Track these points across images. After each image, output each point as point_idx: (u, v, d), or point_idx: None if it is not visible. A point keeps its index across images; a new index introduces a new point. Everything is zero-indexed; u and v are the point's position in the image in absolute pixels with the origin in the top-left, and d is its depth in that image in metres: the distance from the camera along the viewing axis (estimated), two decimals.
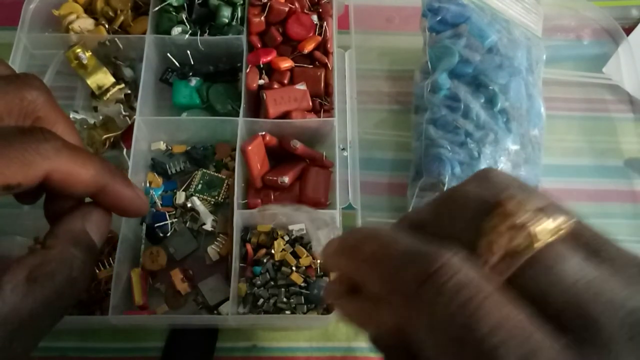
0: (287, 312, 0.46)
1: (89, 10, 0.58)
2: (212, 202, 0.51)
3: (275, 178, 0.49)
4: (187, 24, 0.54)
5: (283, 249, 0.48)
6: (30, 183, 0.22)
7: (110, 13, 0.57)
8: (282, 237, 0.48)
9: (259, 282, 0.46)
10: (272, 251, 0.47)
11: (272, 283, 0.47)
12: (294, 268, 0.47)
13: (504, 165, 0.48)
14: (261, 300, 0.46)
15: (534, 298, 0.16)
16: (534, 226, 0.16)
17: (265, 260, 0.47)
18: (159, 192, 0.52)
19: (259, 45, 0.53)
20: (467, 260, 0.16)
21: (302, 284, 0.46)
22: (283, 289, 0.46)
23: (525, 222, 0.16)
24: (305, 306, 0.46)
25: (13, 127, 0.23)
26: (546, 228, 0.16)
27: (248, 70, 0.51)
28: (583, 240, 0.17)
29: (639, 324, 0.15)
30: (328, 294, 0.21)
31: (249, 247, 0.48)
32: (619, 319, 0.15)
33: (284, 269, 0.47)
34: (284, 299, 0.46)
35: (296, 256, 0.48)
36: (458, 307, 0.15)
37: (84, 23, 0.56)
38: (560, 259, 0.16)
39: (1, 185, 0.21)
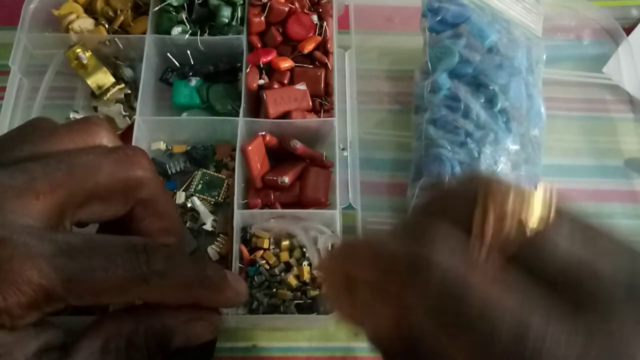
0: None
1: (89, 10, 0.58)
2: (212, 202, 0.51)
3: (275, 178, 0.49)
4: (187, 24, 0.54)
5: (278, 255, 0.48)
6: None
7: (110, 13, 0.57)
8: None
9: (254, 284, 0.46)
10: (267, 253, 0.47)
11: (267, 283, 0.47)
12: (286, 272, 0.47)
13: (504, 165, 0.48)
14: (255, 304, 0.46)
15: (529, 273, 0.16)
16: (524, 213, 0.17)
17: (262, 263, 0.47)
18: None
19: (259, 45, 0.53)
20: (459, 241, 0.16)
21: (297, 289, 0.46)
22: (278, 291, 0.46)
23: (515, 210, 0.17)
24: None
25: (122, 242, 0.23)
26: (536, 214, 0.17)
27: (248, 70, 0.51)
28: (573, 225, 0.17)
29: (635, 284, 0.15)
30: (327, 296, 0.21)
31: (243, 248, 0.48)
32: (616, 281, 0.15)
33: (276, 270, 0.47)
34: (278, 302, 0.46)
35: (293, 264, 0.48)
36: (450, 287, 0.15)
37: (84, 23, 0.56)
38: (551, 241, 0.16)
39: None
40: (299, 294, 0.46)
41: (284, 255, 0.47)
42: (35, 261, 0.20)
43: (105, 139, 0.25)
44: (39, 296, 0.20)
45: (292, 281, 0.46)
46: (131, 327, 0.23)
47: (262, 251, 0.48)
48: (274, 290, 0.46)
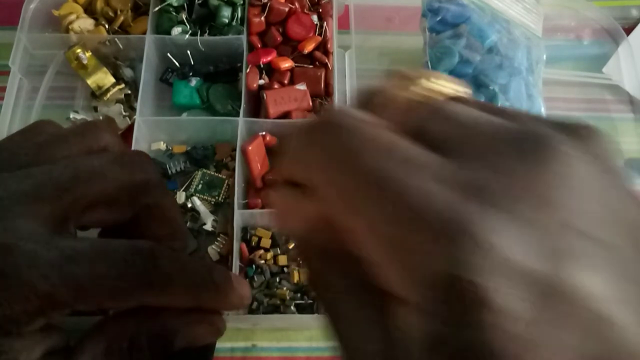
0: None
1: (89, 11, 0.58)
2: (212, 202, 0.51)
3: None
4: (187, 24, 0.54)
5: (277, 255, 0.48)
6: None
7: (110, 13, 0.57)
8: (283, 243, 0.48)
9: (254, 284, 0.46)
10: (268, 254, 0.48)
11: (267, 283, 0.47)
12: (285, 269, 0.47)
13: None
14: (255, 304, 0.46)
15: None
16: (428, 85, 0.17)
17: (261, 263, 0.47)
18: None
19: (259, 46, 0.53)
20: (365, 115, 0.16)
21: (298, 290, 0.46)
22: (278, 291, 0.46)
23: (420, 82, 0.17)
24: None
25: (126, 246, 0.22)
26: (440, 89, 0.17)
27: (248, 70, 0.51)
28: (476, 103, 0.17)
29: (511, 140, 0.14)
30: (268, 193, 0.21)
31: (243, 246, 0.48)
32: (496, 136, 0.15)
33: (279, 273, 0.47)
34: (278, 302, 0.46)
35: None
36: (349, 138, 0.15)
37: (84, 23, 0.56)
38: (452, 106, 0.16)
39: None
40: (299, 294, 0.46)
41: (282, 259, 0.47)
42: (40, 268, 0.20)
43: (110, 144, 0.25)
44: (46, 303, 0.20)
45: (295, 277, 0.46)
46: (134, 329, 0.23)
47: (261, 251, 0.48)
48: (275, 290, 0.46)
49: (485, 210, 0.13)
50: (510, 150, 0.14)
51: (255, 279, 0.47)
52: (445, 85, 0.18)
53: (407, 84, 0.17)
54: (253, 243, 0.48)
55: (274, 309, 0.46)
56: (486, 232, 0.13)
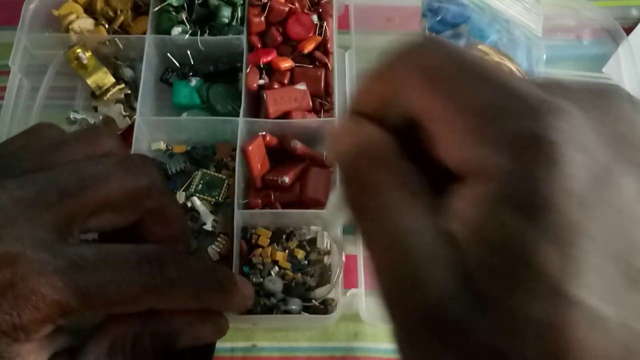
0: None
1: (89, 11, 0.58)
2: (213, 202, 0.51)
3: (275, 178, 0.49)
4: (187, 24, 0.54)
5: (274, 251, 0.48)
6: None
7: (110, 13, 0.57)
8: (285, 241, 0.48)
9: (254, 283, 0.46)
10: (267, 253, 0.48)
11: (262, 283, 0.47)
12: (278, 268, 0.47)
13: None
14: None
15: None
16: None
17: (258, 261, 0.47)
18: None
19: (259, 45, 0.53)
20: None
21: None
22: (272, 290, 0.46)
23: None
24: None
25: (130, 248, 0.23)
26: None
27: (248, 70, 0.51)
28: None
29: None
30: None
31: (243, 244, 0.48)
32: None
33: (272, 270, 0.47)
34: (268, 302, 0.46)
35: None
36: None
37: (84, 23, 0.56)
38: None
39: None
40: (294, 292, 0.46)
41: (280, 257, 0.47)
42: (48, 277, 0.20)
43: (113, 148, 0.25)
44: (54, 311, 0.20)
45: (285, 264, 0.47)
46: (137, 329, 0.23)
47: (260, 249, 0.48)
48: (270, 287, 0.46)
49: (571, 104, 0.15)
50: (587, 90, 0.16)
51: (253, 280, 0.46)
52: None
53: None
54: (253, 242, 0.48)
55: (269, 309, 0.46)
56: (571, 114, 0.14)
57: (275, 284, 0.46)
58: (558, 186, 0.13)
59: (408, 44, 0.17)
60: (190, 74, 0.56)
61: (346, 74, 0.54)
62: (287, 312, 0.46)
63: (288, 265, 0.47)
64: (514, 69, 0.20)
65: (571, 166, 0.14)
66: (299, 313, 0.46)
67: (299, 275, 0.47)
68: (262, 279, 0.47)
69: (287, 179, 0.49)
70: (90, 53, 0.54)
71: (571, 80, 0.16)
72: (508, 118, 0.14)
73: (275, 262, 0.48)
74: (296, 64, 0.52)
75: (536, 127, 0.14)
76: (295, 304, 0.46)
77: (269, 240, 0.48)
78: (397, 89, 0.17)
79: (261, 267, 0.47)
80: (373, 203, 0.16)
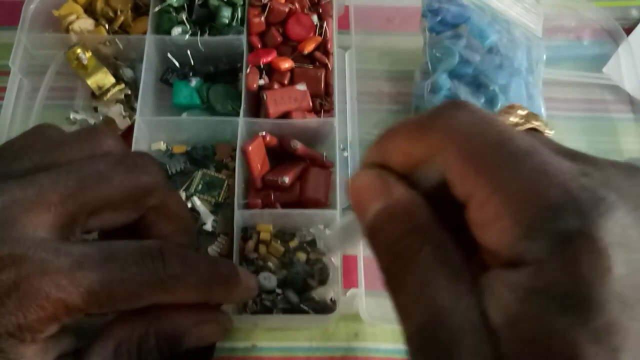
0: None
1: (89, 11, 0.58)
2: (213, 203, 0.51)
3: (275, 178, 0.49)
4: (187, 24, 0.54)
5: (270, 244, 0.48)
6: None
7: (110, 13, 0.57)
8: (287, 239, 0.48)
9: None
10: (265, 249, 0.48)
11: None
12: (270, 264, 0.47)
13: None
14: (250, 302, 0.46)
15: None
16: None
17: (254, 257, 0.47)
18: None
19: (259, 46, 0.53)
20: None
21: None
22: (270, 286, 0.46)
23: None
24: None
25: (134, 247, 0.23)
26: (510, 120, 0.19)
27: (248, 70, 0.51)
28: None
29: None
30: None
31: (243, 246, 0.48)
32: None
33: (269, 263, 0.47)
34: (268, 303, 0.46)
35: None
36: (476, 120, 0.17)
37: (84, 23, 0.56)
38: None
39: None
40: (292, 289, 0.46)
41: (277, 252, 0.47)
42: (52, 276, 0.20)
43: (114, 148, 0.25)
44: (59, 310, 0.20)
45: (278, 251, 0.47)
46: (142, 331, 0.23)
47: (252, 244, 0.48)
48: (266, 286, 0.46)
49: (610, 192, 0.15)
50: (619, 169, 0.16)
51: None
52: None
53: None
54: (254, 241, 0.48)
55: (269, 309, 0.46)
56: (613, 208, 0.14)
57: (270, 281, 0.46)
58: (610, 292, 0.14)
59: (439, 108, 0.17)
60: (191, 74, 0.56)
61: (346, 74, 0.54)
62: (286, 309, 0.45)
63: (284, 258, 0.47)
64: (546, 131, 0.20)
65: (621, 269, 0.14)
66: (298, 305, 0.45)
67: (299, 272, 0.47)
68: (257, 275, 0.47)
69: (287, 179, 0.49)
70: (90, 53, 0.54)
71: (597, 157, 0.17)
72: (554, 212, 0.14)
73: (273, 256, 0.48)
74: (296, 65, 0.52)
75: (584, 225, 0.14)
76: (292, 297, 0.45)
77: (269, 235, 0.48)
78: (431, 155, 0.17)
79: (261, 263, 0.47)
80: (412, 279, 0.16)
